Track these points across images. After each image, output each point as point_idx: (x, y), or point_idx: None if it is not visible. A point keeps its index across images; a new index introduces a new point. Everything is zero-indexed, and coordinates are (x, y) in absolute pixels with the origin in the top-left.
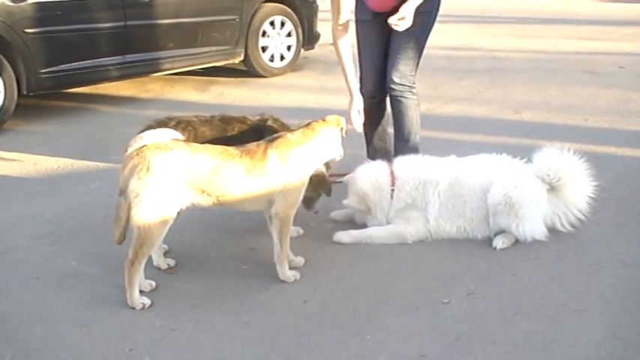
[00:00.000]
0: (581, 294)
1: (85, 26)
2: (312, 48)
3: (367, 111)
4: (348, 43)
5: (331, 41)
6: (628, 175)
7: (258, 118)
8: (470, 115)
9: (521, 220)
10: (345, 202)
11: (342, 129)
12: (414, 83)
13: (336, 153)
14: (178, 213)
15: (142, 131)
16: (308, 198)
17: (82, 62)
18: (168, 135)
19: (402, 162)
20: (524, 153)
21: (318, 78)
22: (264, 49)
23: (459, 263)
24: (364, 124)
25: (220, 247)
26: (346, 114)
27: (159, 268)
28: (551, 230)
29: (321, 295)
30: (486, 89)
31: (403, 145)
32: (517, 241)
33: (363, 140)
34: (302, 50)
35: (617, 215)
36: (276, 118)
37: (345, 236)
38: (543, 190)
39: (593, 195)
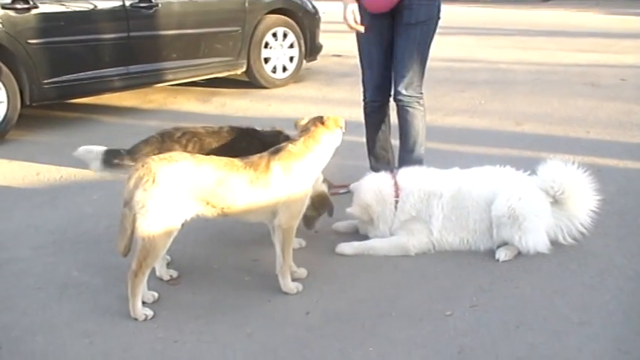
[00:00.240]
0: (584, 306)
1: (89, 37)
2: (315, 59)
3: (369, 113)
4: None
5: (333, 53)
6: (630, 188)
7: (268, 131)
8: (471, 127)
9: (524, 232)
10: (348, 210)
11: (340, 129)
12: (421, 93)
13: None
14: (182, 224)
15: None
16: (309, 217)
17: (85, 73)
18: None
19: (406, 173)
20: (526, 165)
21: (321, 89)
22: (266, 60)
23: (461, 275)
24: (366, 128)
25: (223, 259)
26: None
27: (161, 279)
28: (554, 242)
29: (324, 306)
30: (488, 101)
31: (408, 155)
32: (520, 253)
33: (365, 151)
34: (304, 61)
35: (620, 227)
36: (287, 134)
37: (347, 248)
38: (547, 203)
39: (596, 208)
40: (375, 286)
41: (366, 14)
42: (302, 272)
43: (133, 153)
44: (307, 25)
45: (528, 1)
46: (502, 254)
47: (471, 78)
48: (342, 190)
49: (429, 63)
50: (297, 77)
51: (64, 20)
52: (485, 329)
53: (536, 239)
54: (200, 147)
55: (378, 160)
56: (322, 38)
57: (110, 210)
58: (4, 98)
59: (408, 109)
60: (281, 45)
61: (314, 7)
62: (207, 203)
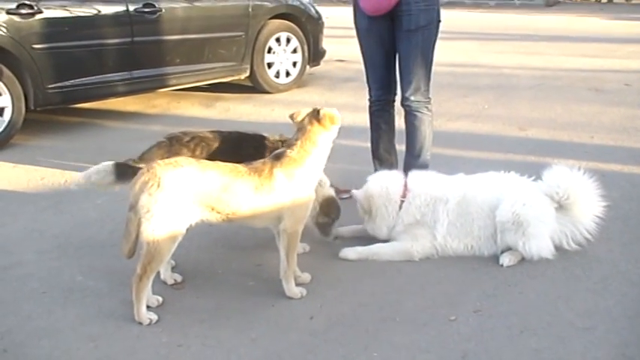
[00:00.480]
0: (588, 312)
1: (93, 42)
2: (318, 64)
3: (374, 112)
4: None
5: (336, 58)
6: (634, 193)
7: (277, 138)
8: (475, 132)
9: (528, 238)
10: (353, 191)
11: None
12: (429, 98)
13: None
14: (187, 229)
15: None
16: (323, 224)
17: (89, 78)
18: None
19: (417, 176)
20: (530, 170)
21: (324, 94)
22: (269, 65)
23: (465, 280)
24: (371, 129)
25: (227, 263)
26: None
27: (165, 283)
28: (558, 248)
29: (328, 311)
30: (491, 106)
31: (414, 161)
32: (524, 258)
33: (369, 157)
34: (307, 66)
35: (624, 233)
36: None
37: (351, 253)
38: (551, 208)
39: (600, 213)
40: (378, 291)
41: (364, 17)
42: (306, 277)
43: (145, 158)
44: (310, 30)
45: (532, 6)
46: (506, 259)
47: (474, 83)
48: (344, 195)
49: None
50: (300, 82)
51: (68, 25)
52: (489, 334)
53: (540, 245)
54: (208, 151)
55: (382, 163)
56: (325, 43)
57: (114, 214)
58: (9, 103)
59: (416, 114)
60: (284, 50)
61: (317, 12)
62: (212, 209)
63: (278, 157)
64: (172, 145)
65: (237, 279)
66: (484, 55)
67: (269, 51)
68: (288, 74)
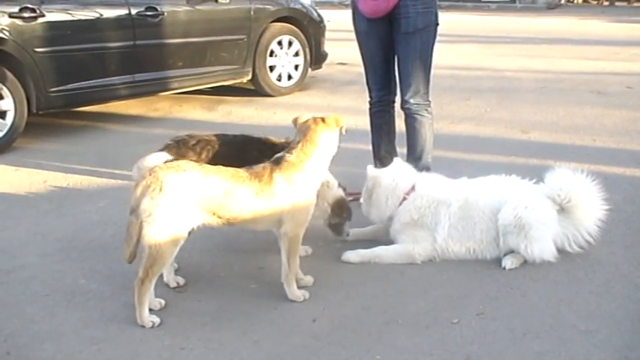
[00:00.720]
0: (591, 315)
1: (95, 45)
2: (320, 67)
3: (375, 113)
4: None
5: (338, 61)
6: (637, 196)
7: (282, 141)
8: (477, 135)
9: (530, 241)
10: (369, 167)
11: (341, 128)
12: (428, 100)
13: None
14: (189, 233)
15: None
16: (335, 224)
17: (92, 81)
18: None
19: (424, 178)
20: (533, 173)
21: (326, 97)
22: (271, 68)
23: (468, 283)
24: (371, 130)
25: (229, 266)
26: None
27: (168, 286)
28: (561, 251)
29: (330, 314)
30: (493, 109)
31: (415, 163)
32: (526, 261)
33: (371, 159)
34: (309, 70)
35: (627, 236)
36: None
37: (353, 255)
38: (554, 211)
39: (603, 215)
40: (381, 293)
41: (363, 19)
42: (308, 280)
43: None
44: (312, 34)
45: (533, 9)
46: (508, 262)
47: (477, 86)
48: (350, 197)
49: (433, 71)
50: (302, 85)
51: (70, 29)
52: (492, 337)
53: (542, 248)
54: (213, 155)
55: (384, 164)
56: (327, 46)
57: (117, 218)
58: (11, 106)
59: (416, 116)
60: (286, 53)
61: (319, 15)
62: (214, 213)
63: (277, 162)
64: (180, 148)
65: (239, 282)
66: (486, 58)
67: (271, 54)
68: (290, 77)
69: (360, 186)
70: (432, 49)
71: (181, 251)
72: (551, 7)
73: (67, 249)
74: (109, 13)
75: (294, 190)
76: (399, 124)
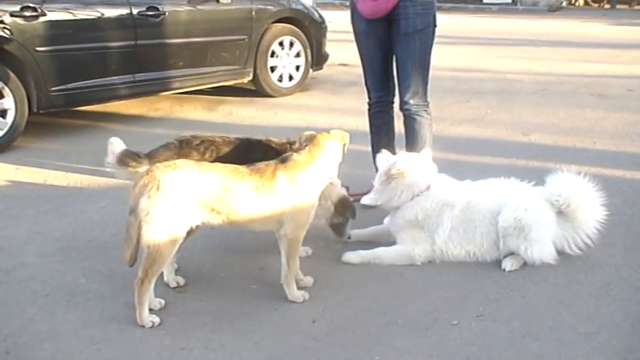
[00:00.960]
0: (590, 317)
1: (96, 45)
2: (321, 68)
3: (374, 114)
4: None
5: (339, 62)
6: (637, 198)
7: (284, 141)
8: (478, 137)
9: (530, 243)
10: (399, 157)
11: (344, 145)
12: (427, 101)
13: (335, 170)
14: (188, 232)
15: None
16: (337, 224)
17: (93, 81)
18: None
19: (441, 180)
20: (533, 175)
21: (327, 98)
22: (272, 69)
23: (467, 285)
24: (370, 132)
25: (229, 266)
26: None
27: (168, 285)
28: (560, 253)
29: (330, 315)
30: (494, 111)
31: None
32: (526, 263)
33: (371, 160)
34: (310, 70)
35: (626, 238)
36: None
37: (353, 256)
38: (553, 214)
39: (602, 220)
40: (381, 295)
41: (362, 20)
42: (308, 281)
43: (152, 157)
44: (314, 34)
45: (535, 11)
46: (508, 264)
47: (477, 88)
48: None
49: (434, 72)
50: (303, 86)
51: (71, 28)
52: (492, 339)
53: (542, 250)
54: (217, 155)
55: None
56: (328, 47)
57: (117, 217)
58: (12, 105)
59: (416, 117)
60: (287, 54)
61: (320, 16)
62: (212, 210)
63: (283, 161)
64: (182, 148)
65: (239, 282)
66: (487, 60)
67: (272, 55)
68: (291, 78)
69: (359, 186)
70: (431, 50)
71: (181, 251)
72: (553, 10)
73: (67, 248)
74: (111, 12)
75: (297, 190)
76: (398, 126)
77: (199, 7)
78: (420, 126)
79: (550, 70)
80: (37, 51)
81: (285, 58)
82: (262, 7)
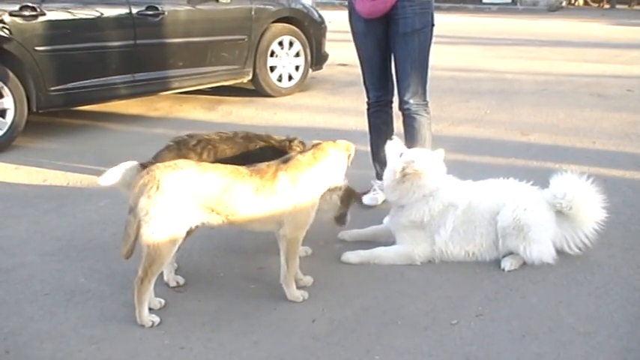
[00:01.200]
0: (590, 317)
1: (95, 44)
2: (320, 68)
3: (373, 114)
4: None
5: (339, 62)
6: (636, 198)
7: (283, 138)
8: (477, 137)
9: (529, 243)
10: (395, 141)
11: (349, 156)
12: (426, 101)
13: (339, 180)
14: (188, 232)
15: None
16: (340, 215)
17: (92, 80)
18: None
19: (449, 182)
20: (532, 175)
21: (326, 98)
22: (272, 68)
23: (467, 285)
24: (370, 132)
25: (229, 266)
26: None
27: (167, 285)
28: (560, 253)
29: (330, 315)
30: (493, 111)
31: None
32: (525, 263)
33: (370, 159)
34: (310, 70)
35: (626, 238)
36: (302, 141)
37: (353, 256)
38: (552, 213)
39: (602, 220)
40: (380, 294)
41: (360, 20)
42: (308, 280)
43: (158, 161)
44: (313, 34)
45: (534, 11)
46: (507, 264)
47: (477, 88)
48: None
49: (433, 72)
50: (302, 86)
51: (71, 28)
52: (491, 338)
53: (541, 250)
54: (215, 154)
55: (383, 166)
56: (328, 47)
57: (117, 217)
58: (12, 105)
59: (415, 116)
60: (287, 54)
61: (320, 16)
62: (212, 211)
63: (285, 161)
64: (180, 150)
65: (239, 282)
66: (486, 60)
67: (272, 54)
68: (290, 78)
69: (359, 186)
70: (430, 49)
71: (181, 251)
72: (552, 10)
73: (66, 248)
74: (110, 12)
75: (297, 190)
76: (398, 125)
77: (199, 6)
78: (420, 125)
79: (549, 70)
80: (36, 50)
81: (285, 58)
82: (262, 6)
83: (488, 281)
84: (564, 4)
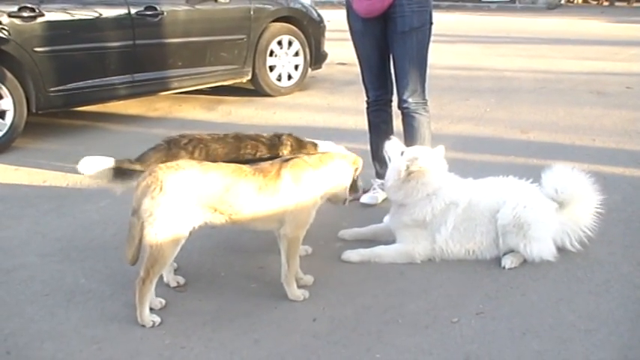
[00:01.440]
0: (590, 314)
1: (95, 45)
2: (320, 67)
3: (372, 112)
4: None
5: (338, 61)
6: (636, 196)
7: (272, 135)
8: (477, 135)
9: (529, 240)
10: (394, 141)
11: (356, 169)
12: (425, 99)
13: (344, 192)
14: (190, 232)
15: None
16: (351, 184)
17: (91, 81)
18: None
19: (451, 180)
20: (532, 173)
21: (325, 97)
22: (271, 68)
23: (467, 283)
24: (369, 131)
25: (229, 266)
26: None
27: (168, 285)
28: (560, 250)
29: (331, 313)
30: (493, 109)
31: None
32: (525, 260)
33: (370, 159)
34: (309, 70)
35: (626, 236)
36: (290, 133)
37: (353, 255)
38: (553, 211)
39: (601, 213)
40: (381, 293)
41: (358, 18)
42: (308, 279)
43: (142, 160)
44: (312, 34)
45: (533, 9)
46: (508, 261)
47: (476, 86)
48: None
49: (432, 71)
50: (302, 85)
51: (70, 28)
52: (492, 336)
53: (541, 247)
54: (206, 153)
55: (383, 165)
56: (327, 46)
57: (117, 217)
58: (11, 106)
59: (415, 115)
60: (286, 53)
61: (319, 15)
62: (215, 210)
63: (289, 160)
64: (170, 149)
65: (239, 281)
66: (486, 58)
67: (271, 54)
68: (290, 77)
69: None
70: (428, 47)
71: (181, 251)
72: (551, 8)
73: (67, 249)
74: (109, 12)
75: (300, 188)
76: (397, 124)
77: (197, 6)
78: (420, 124)
79: (549, 67)
80: (35, 51)
81: (284, 58)
82: (261, 6)
83: (488, 279)
84: (563, 1)
